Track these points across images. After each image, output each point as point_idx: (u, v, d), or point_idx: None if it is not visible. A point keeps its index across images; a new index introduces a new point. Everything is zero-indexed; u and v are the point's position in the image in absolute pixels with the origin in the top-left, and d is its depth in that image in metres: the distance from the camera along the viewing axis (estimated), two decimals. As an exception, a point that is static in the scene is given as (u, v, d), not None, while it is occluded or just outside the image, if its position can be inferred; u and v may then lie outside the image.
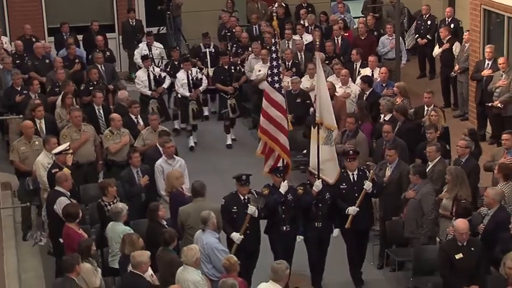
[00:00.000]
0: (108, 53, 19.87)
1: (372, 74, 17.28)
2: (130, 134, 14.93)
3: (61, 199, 12.24)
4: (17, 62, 18.81)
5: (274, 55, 12.64)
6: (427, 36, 20.43)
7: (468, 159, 13.23)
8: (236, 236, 11.73)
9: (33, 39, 20.13)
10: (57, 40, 20.98)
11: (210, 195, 12.27)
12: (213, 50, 19.73)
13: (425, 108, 15.48)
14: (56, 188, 12.49)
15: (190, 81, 17.85)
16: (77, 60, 19.04)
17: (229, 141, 18.38)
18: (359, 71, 17.92)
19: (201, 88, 18.07)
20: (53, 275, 12.39)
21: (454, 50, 18.74)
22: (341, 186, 12.40)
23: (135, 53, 20.11)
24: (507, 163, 12.79)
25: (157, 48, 20.05)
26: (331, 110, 12.49)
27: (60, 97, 16.26)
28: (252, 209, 11.75)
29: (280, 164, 12.41)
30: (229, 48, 20.02)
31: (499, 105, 16.18)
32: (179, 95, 18.05)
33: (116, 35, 22.72)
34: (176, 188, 12.75)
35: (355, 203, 12.24)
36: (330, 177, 12.34)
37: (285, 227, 12.07)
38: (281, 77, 12.61)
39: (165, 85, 18.20)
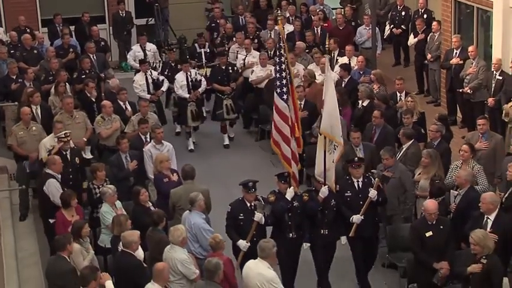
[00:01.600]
0: (102, 43, 19.86)
1: (349, 62, 17.29)
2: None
3: (50, 181, 12.34)
4: (11, 51, 18.74)
5: (278, 59, 11.94)
6: (402, 26, 20.40)
7: (440, 142, 13.32)
8: (243, 244, 11.13)
9: (28, 30, 20.00)
10: (51, 31, 20.95)
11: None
12: (208, 50, 18.92)
13: (398, 94, 15.55)
14: (47, 170, 12.56)
15: (190, 83, 16.91)
16: (71, 50, 18.99)
17: (226, 142, 17.50)
18: (337, 59, 17.94)
19: (200, 89, 17.07)
20: (48, 254, 12.32)
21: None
22: (346, 194, 11.65)
23: (128, 55, 19.23)
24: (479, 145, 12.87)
25: (151, 49, 19.00)
26: (336, 120, 11.64)
27: (53, 85, 16.25)
28: (258, 216, 11.09)
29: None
30: (214, 37, 20.02)
31: (468, 91, 16.20)
32: (176, 97, 17.31)
33: (106, 26, 22.63)
34: (160, 171, 12.78)
35: (360, 210, 11.49)
36: (332, 184, 11.65)
37: (291, 234, 11.36)
38: (284, 82, 11.78)
39: (164, 88, 17.22)
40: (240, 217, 11.19)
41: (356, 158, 11.91)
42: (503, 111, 15.01)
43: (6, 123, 16.63)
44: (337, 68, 17.04)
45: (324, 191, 11.44)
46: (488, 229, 10.41)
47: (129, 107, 15.67)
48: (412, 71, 19.59)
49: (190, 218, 11.25)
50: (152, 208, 11.73)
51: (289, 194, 11.34)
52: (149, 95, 16.88)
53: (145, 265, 10.26)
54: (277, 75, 11.83)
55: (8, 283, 12.44)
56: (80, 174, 13.39)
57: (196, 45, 19.09)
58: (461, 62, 16.74)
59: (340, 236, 11.72)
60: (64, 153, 13.21)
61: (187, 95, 16.87)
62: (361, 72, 16.90)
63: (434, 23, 18.44)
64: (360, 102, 15.41)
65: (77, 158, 13.42)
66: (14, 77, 16.93)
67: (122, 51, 21.97)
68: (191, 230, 11.11)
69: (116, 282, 9.88)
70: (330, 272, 11.76)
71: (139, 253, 10.35)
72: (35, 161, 13.97)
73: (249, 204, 11.24)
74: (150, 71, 17.29)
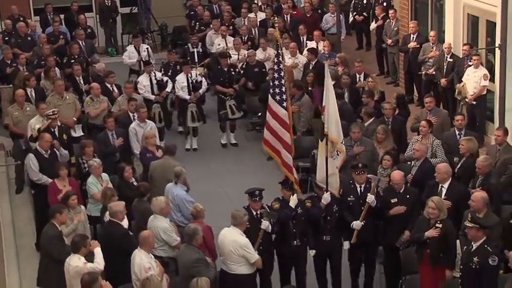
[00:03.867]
0: (89, 30, 19.69)
1: (317, 47, 17.26)
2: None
3: (29, 155, 12.39)
4: (6, 38, 18.63)
5: (276, 67, 10.82)
6: (364, 13, 20.38)
7: (394, 118, 13.38)
8: None
9: (21, 19, 19.83)
10: (42, 19, 20.83)
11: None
12: (201, 50, 17.81)
13: (357, 75, 15.54)
14: (36, 146, 12.53)
15: (190, 84, 15.67)
16: (61, 36, 18.84)
17: (224, 141, 16.22)
18: (306, 44, 17.91)
19: (200, 91, 15.81)
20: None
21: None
22: (348, 199, 10.65)
23: (124, 56, 17.64)
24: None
25: (145, 50, 17.36)
26: (338, 124, 10.64)
27: (43, 70, 16.23)
28: (265, 224, 10.03)
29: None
30: (192, 25, 19.90)
31: (433, 72, 16.19)
32: (173, 98, 16.07)
33: (93, 14, 22.47)
34: (145, 147, 12.76)
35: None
36: (335, 190, 10.58)
37: (295, 242, 10.35)
38: (283, 89, 10.64)
39: (168, 89, 15.77)
40: (246, 226, 10.00)
41: (360, 164, 10.85)
42: (456, 90, 15.13)
43: (2, 104, 16.54)
44: (305, 52, 17.05)
45: (326, 198, 10.46)
46: (443, 196, 10.45)
47: (115, 89, 15.53)
48: (373, 55, 19.58)
49: (174, 190, 11.24)
50: (135, 183, 11.66)
51: (293, 201, 10.36)
52: (154, 96, 15.57)
53: (131, 233, 10.19)
54: (276, 82, 10.69)
55: (6, 250, 12.46)
56: (68, 149, 13.23)
57: (189, 45, 17.89)
58: (418, 46, 16.77)
59: (343, 241, 10.70)
60: (52, 130, 13.12)
61: (187, 97, 15.63)
62: (327, 56, 16.88)
63: (391, 10, 18.44)
64: (327, 82, 15.38)
65: (64, 135, 13.30)
66: (9, 62, 16.85)
67: (108, 37, 21.96)
68: (174, 200, 11.09)
69: (104, 249, 9.84)
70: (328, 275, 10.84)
71: (124, 223, 10.28)
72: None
73: (255, 213, 10.22)
74: (154, 72, 15.84)
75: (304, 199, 10.65)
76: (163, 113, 15.58)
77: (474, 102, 14.80)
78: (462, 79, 15.02)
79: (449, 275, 9.73)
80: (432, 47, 16.35)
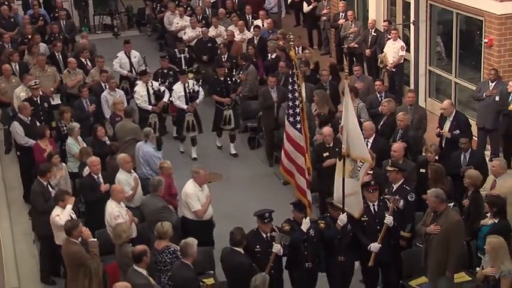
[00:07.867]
0: (65, 12, 19.06)
1: (262, 24, 17.05)
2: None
3: (14, 123, 12.11)
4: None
5: (290, 87, 8.72)
6: (300, -5, 20.20)
7: (331, 83, 13.35)
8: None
9: (6, 3, 19.13)
10: (24, 3, 20.19)
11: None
12: (188, 56, 15.64)
13: (296, 48, 15.35)
14: (18, 114, 12.24)
15: (187, 94, 13.34)
16: (41, 18, 18.27)
17: (219, 144, 14.00)
18: (252, 22, 17.68)
19: (197, 101, 13.38)
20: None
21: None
22: (362, 218, 8.80)
23: (114, 62, 15.06)
24: (357, 86, 12.85)
25: (136, 56, 15.17)
26: (361, 141, 8.76)
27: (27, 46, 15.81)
28: (277, 248, 8.32)
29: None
30: (154, 6, 19.44)
31: (356, 46, 16.16)
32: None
33: (68, -2, 21.89)
34: (114, 111, 12.59)
35: (377, 235, 8.69)
36: (354, 211, 8.71)
37: (307, 264, 8.66)
38: (297, 110, 8.64)
39: (165, 99, 13.47)
40: (256, 249, 8.41)
41: (372, 182, 9.09)
42: (379, 60, 15.16)
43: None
44: (252, 29, 16.85)
45: (343, 219, 8.66)
46: (368, 149, 10.45)
47: (89, 63, 15.14)
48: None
49: (143, 147, 11.14)
50: (108, 142, 11.51)
51: (305, 225, 8.59)
52: (151, 106, 13.31)
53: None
54: (290, 103, 8.70)
55: (-1, 203, 12.33)
56: (49, 115, 12.94)
57: (176, 50, 15.68)
58: (345, 23, 16.69)
59: (355, 261, 9.02)
60: (35, 99, 12.82)
61: (185, 106, 13.25)
62: (270, 32, 16.75)
63: (322, -8, 18.36)
64: (270, 55, 15.30)
65: (45, 103, 13.01)
66: (-5, 40, 16.43)
67: (82, 18, 21.53)
68: (144, 156, 11.01)
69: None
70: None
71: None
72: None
73: (265, 235, 8.50)
74: (151, 82, 13.54)
75: (317, 219, 8.98)
76: (160, 122, 13.51)
77: (394, 70, 14.89)
78: (383, 50, 15.05)
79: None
80: (351, 25, 16.34)
